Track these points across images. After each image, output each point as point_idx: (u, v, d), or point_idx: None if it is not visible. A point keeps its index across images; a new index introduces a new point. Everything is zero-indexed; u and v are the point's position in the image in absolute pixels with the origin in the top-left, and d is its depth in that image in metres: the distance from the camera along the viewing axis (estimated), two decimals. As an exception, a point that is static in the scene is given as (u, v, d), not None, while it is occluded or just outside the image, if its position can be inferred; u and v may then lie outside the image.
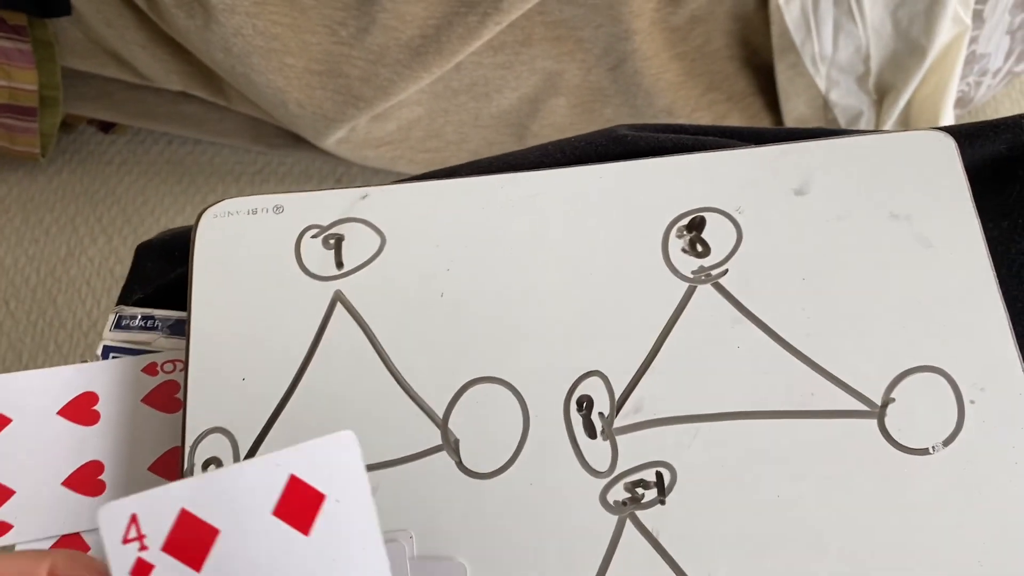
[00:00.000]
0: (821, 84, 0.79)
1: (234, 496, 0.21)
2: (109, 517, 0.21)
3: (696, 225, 0.34)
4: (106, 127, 1.01)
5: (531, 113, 0.82)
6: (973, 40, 0.79)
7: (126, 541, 0.21)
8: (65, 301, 0.96)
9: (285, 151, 0.96)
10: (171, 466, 0.33)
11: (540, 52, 0.78)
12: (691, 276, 0.33)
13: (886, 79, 0.80)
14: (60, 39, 0.84)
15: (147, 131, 1.01)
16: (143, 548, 0.21)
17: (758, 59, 0.81)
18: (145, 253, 0.38)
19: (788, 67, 0.79)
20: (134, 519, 0.21)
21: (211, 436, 0.32)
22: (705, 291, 0.33)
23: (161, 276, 0.37)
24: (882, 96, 0.81)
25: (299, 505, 0.22)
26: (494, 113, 0.83)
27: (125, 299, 0.37)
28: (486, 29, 0.71)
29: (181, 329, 0.36)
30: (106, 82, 0.91)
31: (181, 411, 0.34)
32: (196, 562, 0.21)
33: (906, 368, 0.31)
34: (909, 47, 0.77)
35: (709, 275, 0.33)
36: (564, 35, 0.77)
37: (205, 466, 0.32)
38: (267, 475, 0.22)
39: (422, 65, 0.74)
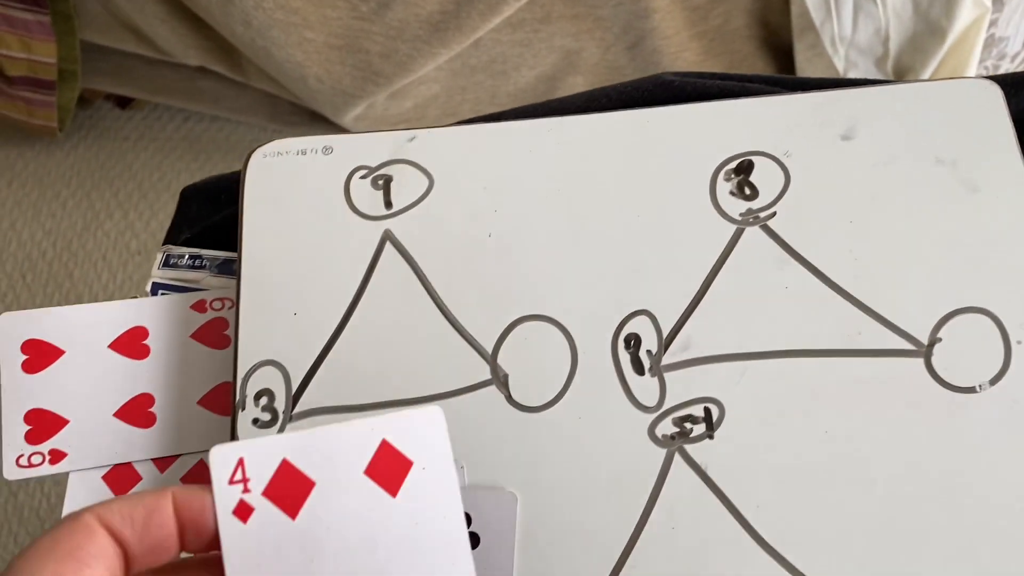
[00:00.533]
0: (840, 65, 0.80)
1: (331, 453, 0.23)
2: (219, 458, 0.23)
3: (744, 168, 0.34)
4: (123, 103, 1.02)
5: (548, 92, 0.83)
6: (992, 23, 0.79)
7: (232, 482, 0.22)
8: (81, 275, 0.96)
9: (301, 129, 0.96)
10: (220, 401, 0.34)
11: (559, 30, 0.78)
12: (739, 218, 0.33)
13: (905, 61, 0.80)
14: (80, 12, 0.84)
15: (164, 107, 1.01)
16: (246, 491, 0.22)
17: (777, 40, 0.82)
18: (191, 195, 0.38)
19: (807, 48, 0.80)
20: (241, 463, 0.23)
21: (263, 369, 0.32)
22: (753, 233, 0.33)
23: (207, 218, 0.37)
24: (900, 78, 0.82)
25: (389, 468, 0.23)
26: (511, 91, 0.83)
27: (172, 240, 0.37)
28: (506, 5, 0.71)
29: (229, 268, 0.36)
30: (124, 57, 0.91)
31: (230, 347, 0.34)
32: (292, 509, 0.23)
33: (953, 309, 0.32)
34: (929, 29, 0.78)
35: (757, 217, 0.33)
36: (583, 13, 0.77)
37: (257, 398, 0.32)
38: (362, 437, 0.23)
39: (441, 41, 0.74)
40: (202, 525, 0.22)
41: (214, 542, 0.23)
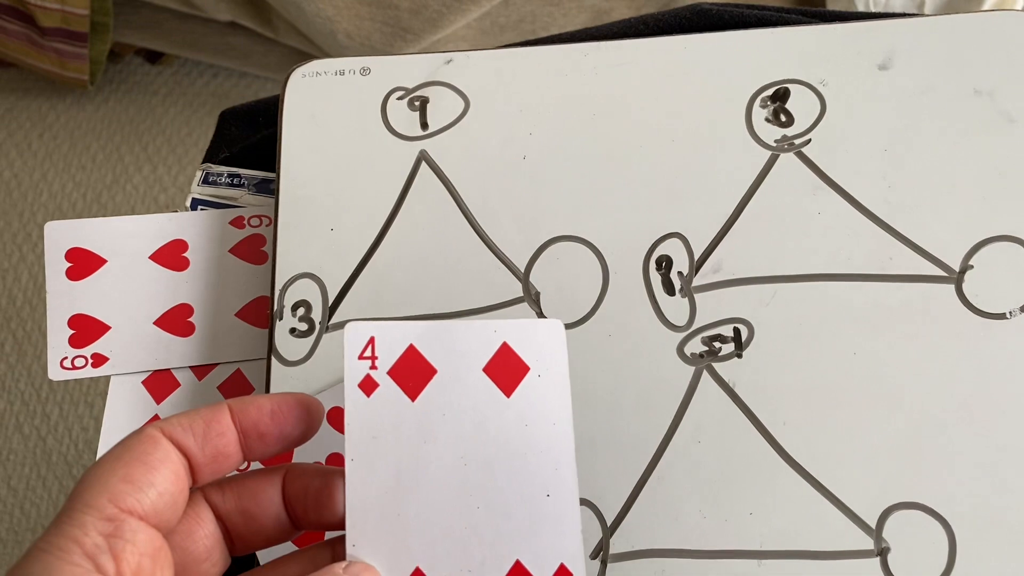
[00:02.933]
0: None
1: (454, 346, 0.24)
2: (353, 334, 0.24)
3: (780, 96, 0.34)
4: (153, 57, 1.02)
5: (579, 50, 0.82)
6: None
7: (361, 357, 0.24)
8: (110, 226, 0.97)
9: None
10: (258, 313, 0.34)
11: (590, -12, 0.78)
12: (774, 145, 0.34)
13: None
14: (114, -38, 0.84)
15: (193, 63, 1.02)
16: (373, 367, 0.24)
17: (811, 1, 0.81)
18: (230, 118, 0.39)
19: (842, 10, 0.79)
20: (371, 341, 0.24)
21: (300, 281, 0.33)
22: (787, 159, 0.33)
23: (245, 139, 0.38)
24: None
25: (506, 369, 0.24)
26: (541, 50, 0.83)
27: (210, 159, 0.37)
28: (539, -38, 0.71)
29: (267, 187, 0.37)
30: (155, 11, 0.92)
31: (268, 262, 0.35)
32: (413, 392, 0.24)
33: (985, 237, 0.32)
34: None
35: (792, 144, 0.33)
36: (615, -29, 0.77)
37: (294, 309, 0.33)
38: (485, 336, 0.24)
39: (472, -2, 0.74)
40: (263, 430, 0.23)
41: (277, 446, 0.24)
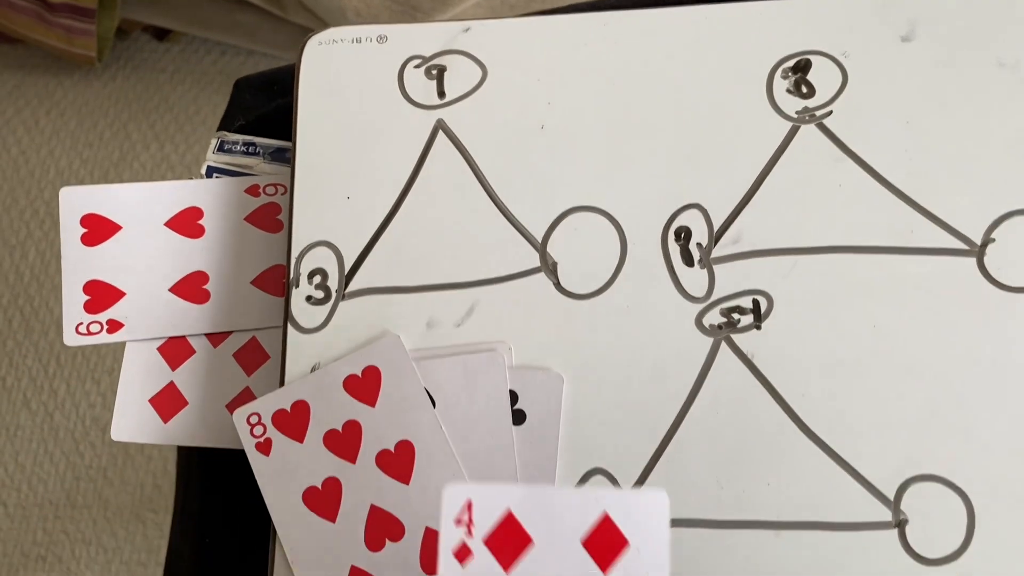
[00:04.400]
0: None
1: (553, 514, 0.23)
2: (451, 497, 0.23)
3: (802, 67, 0.34)
4: (160, 35, 1.02)
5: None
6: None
7: (457, 523, 0.23)
8: (117, 203, 0.97)
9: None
10: (273, 282, 0.34)
11: (604, -35, 0.77)
12: (795, 116, 0.33)
13: None
14: (123, -64, 0.84)
15: (201, 40, 1.01)
16: (469, 534, 0.23)
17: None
18: (244, 87, 0.38)
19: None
20: (469, 505, 0.23)
21: (316, 249, 0.33)
22: (808, 131, 0.33)
23: (259, 108, 0.37)
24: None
25: (605, 543, 0.23)
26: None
27: (225, 128, 0.37)
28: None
29: (282, 156, 0.36)
30: (163, -13, 0.92)
31: (283, 231, 0.35)
32: (507, 562, 0.23)
33: (1009, 210, 0.31)
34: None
35: (813, 115, 0.33)
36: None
37: (311, 276, 0.33)
38: (585, 505, 0.23)
39: (482, -25, 0.73)
40: None
41: None
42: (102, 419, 0.91)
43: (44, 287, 0.95)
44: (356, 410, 0.31)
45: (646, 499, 0.23)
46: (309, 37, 0.36)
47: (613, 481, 0.30)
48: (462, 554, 0.23)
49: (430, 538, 0.29)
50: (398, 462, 0.30)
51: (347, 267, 0.33)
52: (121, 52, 1.02)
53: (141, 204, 0.34)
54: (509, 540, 0.23)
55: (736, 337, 0.31)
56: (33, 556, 0.87)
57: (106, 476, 0.89)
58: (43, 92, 1.02)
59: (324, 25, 0.85)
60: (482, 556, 0.23)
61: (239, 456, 0.31)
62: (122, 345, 0.33)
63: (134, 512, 0.88)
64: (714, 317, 0.31)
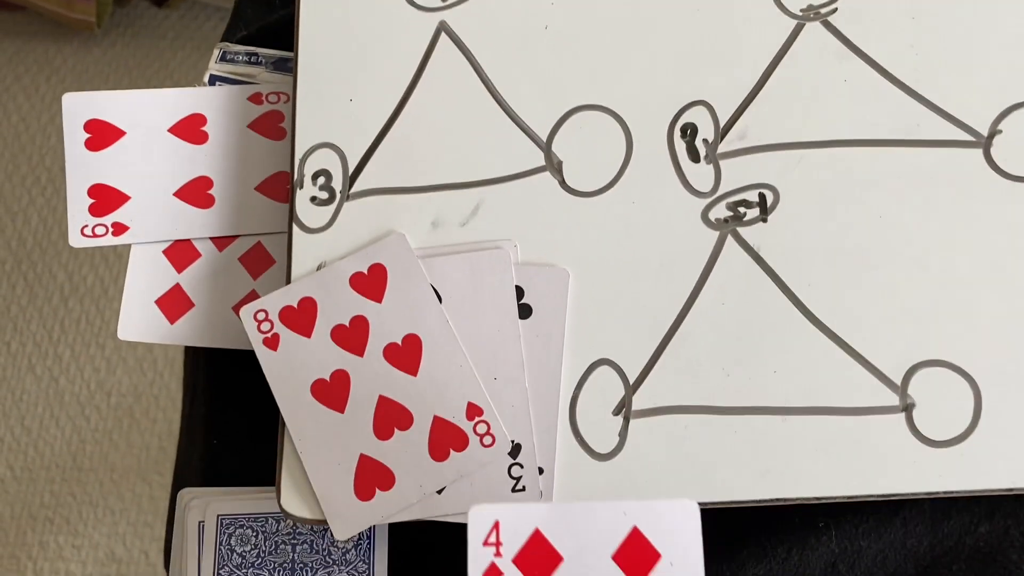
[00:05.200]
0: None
1: (582, 530, 0.23)
2: (478, 518, 0.23)
3: (806, -36, 0.33)
4: (160, 1, 1.02)
5: None
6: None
7: (486, 544, 0.22)
8: (119, 168, 0.97)
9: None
10: (277, 188, 0.34)
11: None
12: (799, 13, 0.33)
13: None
14: None
15: (200, 6, 1.01)
16: (498, 555, 0.22)
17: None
18: None
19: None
20: (496, 526, 0.23)
21: (320, 150, 0.33)
22: (813, 28, 0.33)
23: (262, 19, 0.37)
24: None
25: (636, 557, 0.23)
26: None
27: (227, 39, 0.37)
28: None
29: (284, 66, 0.36)
30: (162, -49, 0.91)
31: (287, 138, 0.35)
32: None
33: (1015, 102, 0.31)
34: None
35: (818, 13, 0.33)
36: None
37: (315, 178, 0.33)
38: (614, 519, 0.23)
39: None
40: None
41: None
42: (107, 383, 0.91)
43: (47, 253, 0.95)
44: (363, 306, 0.31)
45: (675, 509, 0.23)
46: (311, -56, 0.35)
47: (619, 371, 0.30)
48: None
49: (438, 426, 0.29)
50: (406, 355, 0.30)
51: (351, 168, 0.33)
52: (120, 18, 1.01)
53: (144, 110, 0.34)
54: (539, 559, 0.22)
55: (742, 230, 0.31)
56: (41, 518, 0.87)
57: (111, 439, 0.89)
58: (42, 59, 1.01)
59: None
60: None
61: (245, 358, 0.31)
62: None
63: (140, 474, 0.88)
64: (720, 211, 0.31)
